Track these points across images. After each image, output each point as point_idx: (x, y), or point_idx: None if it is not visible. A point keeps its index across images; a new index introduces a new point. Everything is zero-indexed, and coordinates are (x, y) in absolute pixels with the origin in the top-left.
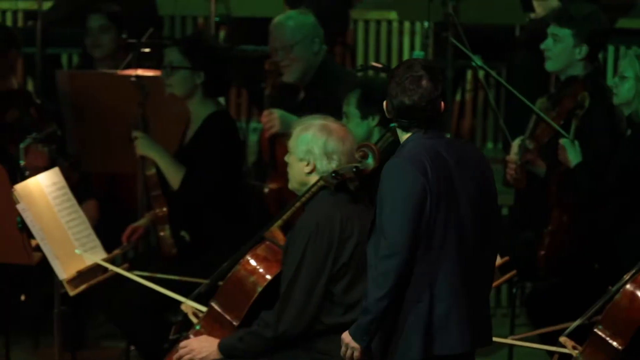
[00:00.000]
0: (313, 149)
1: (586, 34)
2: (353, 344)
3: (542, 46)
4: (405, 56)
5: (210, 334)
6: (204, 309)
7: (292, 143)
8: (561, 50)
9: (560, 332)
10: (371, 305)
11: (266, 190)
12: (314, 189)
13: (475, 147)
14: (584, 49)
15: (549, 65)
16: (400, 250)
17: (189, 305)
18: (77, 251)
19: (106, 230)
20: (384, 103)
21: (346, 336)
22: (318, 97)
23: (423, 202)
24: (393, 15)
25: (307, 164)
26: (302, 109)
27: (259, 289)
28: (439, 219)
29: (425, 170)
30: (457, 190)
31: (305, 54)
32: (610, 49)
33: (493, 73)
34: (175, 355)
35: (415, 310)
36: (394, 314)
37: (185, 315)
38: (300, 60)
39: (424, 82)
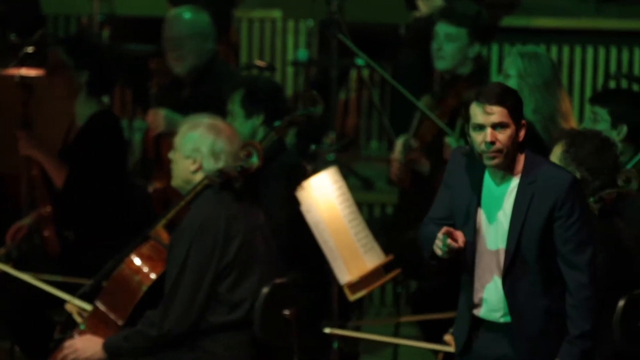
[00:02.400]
0: (200, 147)
1: (479, 32)
2: None
3: (435, 45)
4: (289, 55)
5: (95, 333)
6: (88, 308)
7: (178, 140)
8: (456, 50)
9: (445, 330)
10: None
11: (151, 189)
12: (198, 188)
13: None
14: (477, 47)
15: (441, 65)
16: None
17: (73, 304)
18: None
19: None
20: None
21: None
22: (204, 95)
23: None
24: (277, 13)
25: (193, 162)
26: (186, 107)
27: (144, 288)
28: None
29: None
30: None
31: (198, 49)
32: (495, 47)
33: (380, 70)
34: (60, 355)
35: None
36: None
37: (70, 314)
38: (192, 54)
39: None
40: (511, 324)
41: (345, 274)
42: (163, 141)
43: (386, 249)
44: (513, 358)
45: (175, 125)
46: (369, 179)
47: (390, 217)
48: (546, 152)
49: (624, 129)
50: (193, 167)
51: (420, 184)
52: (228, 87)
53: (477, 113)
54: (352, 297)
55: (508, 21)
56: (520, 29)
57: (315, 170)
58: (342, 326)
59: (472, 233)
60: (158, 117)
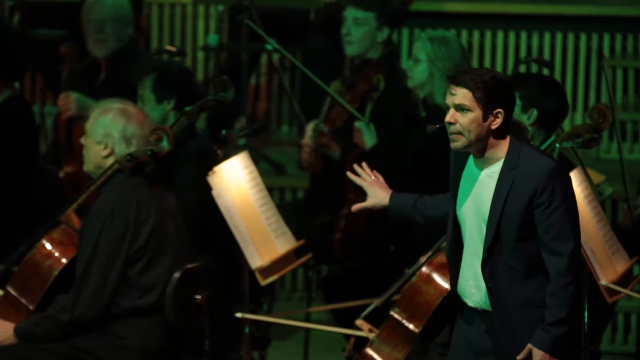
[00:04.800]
0: (112, 132)
1: (388, 16)
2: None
3: (343, 31)
4: (200, 40)
5: (6, 318)
6: (0, 293)
7: (89, 126)
8: (364, 34)
9: (357, 315)
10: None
11: (62, 173)
12: (109, 172)
13: None
14: (386, 31)
15: (350, 50)
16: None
17: None
18: None
19: None
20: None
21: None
22: (118, 79)
23: None
24: None
25: (105, 147)
26: (101, 91)
27: (55, 273)
28: None
29: None
30: None
31: (119, 33)
32: (405, 31)
33: (289, 56)
34: None
35: None
36: None
37: None
38: (113, 38)
39: None
40: (492, 312)
41: (256, 259)
42: (74, 126)
43: (297, 234)
44: (497, 347)
45: (87, 110)
46: (279, 164)
47: (301, 202)
48: None
49: (534, 113)
50: (104, 152)
51: (330, 168)
52: (139, 72)
53: (447, 93)
54: (264, 282)
55: (418, 6)
56: (430, 13)
57: (226, 155)
58: (253, 311)
59: (454, 219)
60: (69, 100)
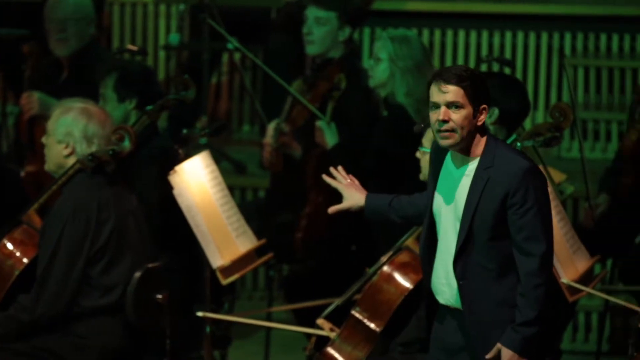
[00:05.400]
0: (73, 131)
1: (349, 15)
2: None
3: (305, 30)
4: (162, 39)
5: None
6: None
7: (51, 125)
8: (325, 34)
9: (318, 315)
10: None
11: (23, 173)
12: (70, 172)
13: None
14: (347, 31)
15: (312, 49)
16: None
17: None
18: None
19: None
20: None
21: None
22: (81, 78)
23: None
24: None
25: (66, 147)
26: (63, 91)
27: (16, 273)
28: None
29: None
30: None
31: (82, 32)
32: (366, 30)
33: (249, 54)
34: None
35: None
36: None
37: None
38: (76, 37)
39: None
40: (463, 310)
41: (217, 258)
42: (36, 125)
43: (258, 233)
44: (468, 346)
45: (49, 109)
46: (241, 163)
47: (263, 201)
48: (418, 135)
49: (496, 111)
50: (66, 152)
51: (291, 168)
52: (101, 72)
53: (434, 91)
54: (225, 281)
55: (380, 5)
56: (391, 12)
57: (188, 155)
58: (214, 310)
59: (429, 215)
60: (32, 99)
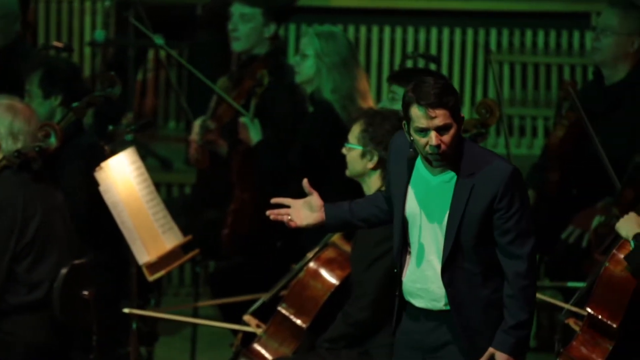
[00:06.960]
0: None
1: (274, 12)
2: None
3: (230, 26)
4: (87, 36)
5: None
6: None
7: None
8: (250, 30)
9: (244, 311)
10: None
11: None
12: None
13: None
14: (273, 27)
15: (237, 46)
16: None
17: None
18: None
19: None
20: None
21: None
22: (6, 75)
23: None
24: None
25: None
26: None
27: None
28: None
29: None
30: None
31: (6, 29)
32: (292, 27)
33: (173, 53)
34: None
35: None
36: None
37: None
38: (1, 34)
39: None
40: (451, 312)
41: (143, 255)
42: None
43: (185, 229)
44: (456, 344)
45: None
46: (167, 160)
47: (189, 198)
48: (344, 131)
49: None
50: None
51: (217, 164)
52: (26, 68)
53: (420, 116)
54: (151, 278)
55: (305, 1)
56: (317, 8)
57: (113, 151)
58: (140, 306)
59: (401, 220)
60: None
